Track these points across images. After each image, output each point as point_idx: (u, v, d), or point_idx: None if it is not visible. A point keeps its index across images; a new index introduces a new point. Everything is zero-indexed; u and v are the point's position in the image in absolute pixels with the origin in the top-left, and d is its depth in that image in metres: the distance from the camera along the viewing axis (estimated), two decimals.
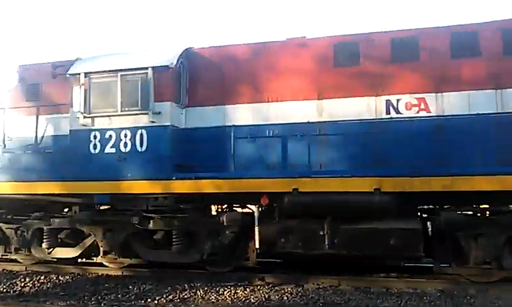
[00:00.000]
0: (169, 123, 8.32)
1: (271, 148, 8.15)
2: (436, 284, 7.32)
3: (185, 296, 7.22)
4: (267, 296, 7.09)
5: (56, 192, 8.82)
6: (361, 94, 7.94)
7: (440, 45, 7.75)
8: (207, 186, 7.99)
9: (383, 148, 7.66)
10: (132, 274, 8.72)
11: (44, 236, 9.14)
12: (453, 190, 7.02)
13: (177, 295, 7.27)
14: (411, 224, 7.33)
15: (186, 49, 8.80)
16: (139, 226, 8.52)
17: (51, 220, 9.10)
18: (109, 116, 8.59)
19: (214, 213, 9.00)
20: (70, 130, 8.85)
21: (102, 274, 8.87)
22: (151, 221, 8.49)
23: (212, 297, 7.15)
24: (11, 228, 9.43)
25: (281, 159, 8.02)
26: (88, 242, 8.99)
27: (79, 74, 8.75)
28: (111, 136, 8.58)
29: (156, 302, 6.97)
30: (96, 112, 8.67)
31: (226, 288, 7.51)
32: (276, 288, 7.52)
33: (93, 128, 8.67)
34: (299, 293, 7.19)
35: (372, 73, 7.94)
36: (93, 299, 7.15)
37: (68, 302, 7.03)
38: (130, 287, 7.80)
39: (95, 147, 8.65)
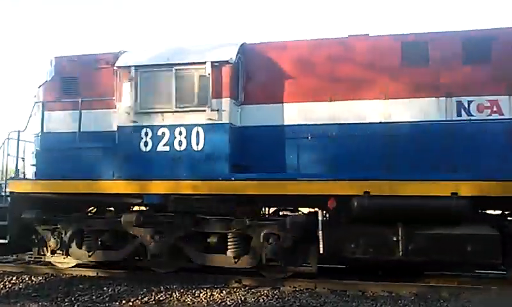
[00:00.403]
0: (228, 121, 7.93)
1: (336, 148, 7.83)
2: (410, 288, 7.36)
3: (161, 298, 7.15)
4: (243, 298, 7.07)
5: (101, 191, 8.32)
6: (431, 95, 7.70)
7: None
8: (271, 188, 7.61)
9: (455, 150, 7.43)
10: (107, 275, 8.52)
11: (84, 238, 8.64)
12: None
13: (152, 296, 7.20)
14: (489, 231, 7.12)
15: (242, 44, 8.41)
16: (194, 229, 8.09)
17: (93, 221, 8.59)
18: (162, 112, 8.14)
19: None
20: (118, 127, 8.36)
21: (77, 275, 8.67)
22: (205, 223, 8.08)
23: (188, 299, 7.07)
24: (48, 229, 8.86)
25: (349, 161, 7.69)
26: (134, 244, 8.51)
27: (130, 67, 8.26)
28: (163, 133, 8.13)
29: (131, 303, 6.88)
30: (147, 108, 8.20)
31: (202, 290, 7.43)
32: (252, 290, 7.52)
33: (144, 124, 8.21)
34: (276, 296, 7.23)
35: (441, 74, 7.70)
36: (66, 300, 7.01)
37: (40, 304, 6.87)
38: (105, 288, 7.66)
39: (146, 144, 8.19)
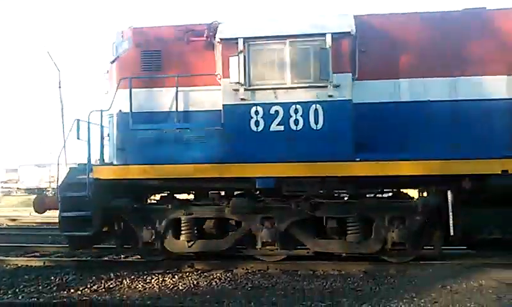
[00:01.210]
0: (351, 98, 7.39)
1: (468, 126, 7.46)
2: (359, 266, 7.50)
3: (111, 285, 6.96)
4: (195, 282, 7.02)
5: (201, 176, 7.63)
6: None
7: None
8: (407, 168, 7.17)
9: None
10: (54, 264, 8.35)
11: (182, 228, 7.94)
12: None
13: (102, 284, 6.99)
14: None
15: (354, 16, 7.83)
16: (310, 213, 7.57)
17: (197, 208, 7.90)
18: (275, 88, 7.49)
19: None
20: (224, 105, 7.63)
21: (22, 265, 8.40)
22: (322, 207, 7.58)
23: (139, 285, 6.94)
24: (139, 219, 8.07)
25: (484, 139, 7.36)
26: (240, 232, 7.90)
27: (237, 39, 7.52)
28: (277, 112, 7.49)
29: (79, 292, 6.63)
30: (258, 84, 7.53)
31: (153, 276, 7.33)
32: (205, 274, 7.48)
33: (254, 102, 7.53)
34: (228, 278, 7.22)
35: None
36: (9, 292, 6.66)
37: None
38: (52, 278, 7.39)
39: (257, 124, 7.52)
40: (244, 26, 7.74)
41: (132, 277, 7.34)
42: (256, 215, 7.75)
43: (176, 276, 7.33)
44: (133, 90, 8.05)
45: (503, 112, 7.47)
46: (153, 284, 6.95)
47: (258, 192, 7.87)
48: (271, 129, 7.48)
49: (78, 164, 8.95)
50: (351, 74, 7.43)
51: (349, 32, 7.37)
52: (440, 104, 7.60)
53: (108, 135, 8.62)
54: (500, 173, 7.02)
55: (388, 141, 7.58)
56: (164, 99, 8.05)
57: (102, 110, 8.18)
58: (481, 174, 7.09)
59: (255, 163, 7.47)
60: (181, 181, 7.74)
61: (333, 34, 7.33)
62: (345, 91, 7.38)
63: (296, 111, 7.44)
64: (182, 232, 7.95)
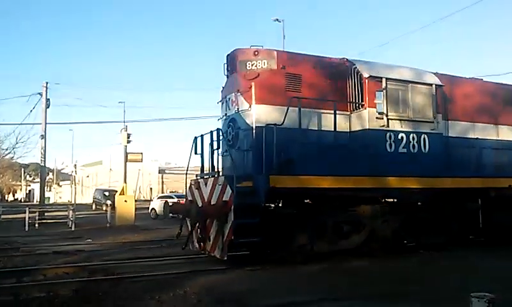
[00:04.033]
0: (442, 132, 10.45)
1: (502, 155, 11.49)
2: (70, 285, 7.22)
3: None
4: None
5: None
6: None
7: None
8: (474, 182, 10.60)
9: None
10: None
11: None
12: None
13: None
14: None
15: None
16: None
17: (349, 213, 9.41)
18: (401, 120, 9.81)
19: None
20: (367, 129, 9.50)
21: None
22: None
23: None
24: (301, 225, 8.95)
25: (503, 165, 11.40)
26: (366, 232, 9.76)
27: (382, 78, 9.55)
28: (402, 138, 9.82)
29: None
30: (393, 115, 9.71)
31: None
32: None
33: (389, 129, 9.66)
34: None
35: None
36: None
37: None
38: None
39: (390, 146, 9.70)
40: (385, 69, 9.80)
41: None
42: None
43: None
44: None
45: None
46: None
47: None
48: (399, 151, 9.74)
49: None
50: (442, 115, 10.44)
51: (442, 85, 10.39)
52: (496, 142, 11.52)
53: None
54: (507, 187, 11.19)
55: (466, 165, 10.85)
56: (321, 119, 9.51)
57: (275, 125, 8.77)
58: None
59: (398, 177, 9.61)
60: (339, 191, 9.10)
61: (436, 85, 10.20)
62: (440, 126, 10.32)
63: (414, 138, 9.93)
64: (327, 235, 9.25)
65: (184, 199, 11.67)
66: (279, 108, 9.11)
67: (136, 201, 23.33)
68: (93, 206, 37.96)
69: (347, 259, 9.09)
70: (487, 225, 11.18)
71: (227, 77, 10.13)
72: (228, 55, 9.94)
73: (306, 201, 9.41)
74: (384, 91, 9.56)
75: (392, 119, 9.71)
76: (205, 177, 9.74)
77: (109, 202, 23.05)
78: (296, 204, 9.04)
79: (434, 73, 10.73)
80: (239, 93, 9.43)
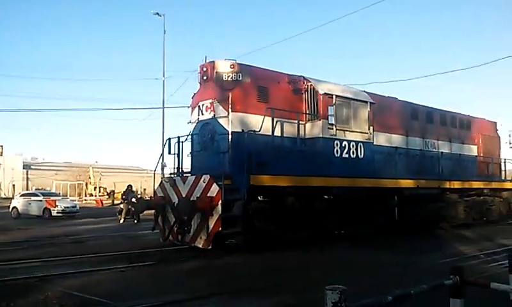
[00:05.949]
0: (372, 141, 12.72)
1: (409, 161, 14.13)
2: None
3: None
4: None
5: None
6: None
7: None
8: (408, 183, 13.06)
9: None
10: None
11: None
12: None
13: None
14: None
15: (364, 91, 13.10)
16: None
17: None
18: (344, 130, 11.84)
19: None
20: (319, 137, 11.32)
21: None
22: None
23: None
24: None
25: (410, 167, 14.13)
26: None
27: (332, 95, 11.46)
28: (345, 145, 11.86)
29: None
30: (340, 126, 11.67)
31: None
32: None
33: (336, 138, 11.62)
34: None
35: None
36: None
37: None
38: None
39: (336, 152, 11.66)
40: (333, 87, 11.71)
41: None
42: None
43: None
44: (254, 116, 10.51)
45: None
46: None
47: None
48: (342, 156, 11.74)
49: None
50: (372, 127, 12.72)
51: (374, 103, 12.67)
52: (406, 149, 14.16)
53: None
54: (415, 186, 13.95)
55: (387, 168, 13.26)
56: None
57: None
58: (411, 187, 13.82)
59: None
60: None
61: (370, 103, 12.44)
62: (371, 137, 12.58)
63: (353, 146, 12.03)
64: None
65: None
66: (252, 116, 10.51)
67: None
68: None
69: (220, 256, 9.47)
70: (401, 218, 13.78)
71: (200, 85, 11.18)
72: (203, 65, 11.00)
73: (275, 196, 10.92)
74: (335, 106, 11.49)
75: (339, 129, 11.68)
76: (185, 175, 10.71)
77: None
78: (270, 198, 10.50)
79: (366, 92, 13.02)
80: (216, 101, 10.55)
